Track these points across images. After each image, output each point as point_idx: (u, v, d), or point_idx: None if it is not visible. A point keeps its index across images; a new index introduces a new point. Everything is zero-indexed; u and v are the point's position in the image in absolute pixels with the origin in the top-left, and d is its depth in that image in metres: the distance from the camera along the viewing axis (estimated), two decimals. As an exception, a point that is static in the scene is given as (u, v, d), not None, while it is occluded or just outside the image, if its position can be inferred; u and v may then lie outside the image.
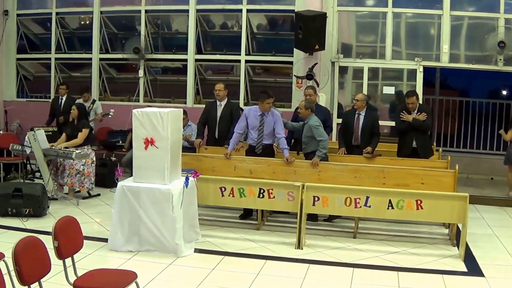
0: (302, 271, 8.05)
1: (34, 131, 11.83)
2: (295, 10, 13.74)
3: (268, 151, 10.71)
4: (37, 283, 5.57)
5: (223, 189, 9.45)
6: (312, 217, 10.40)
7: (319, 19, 13.04)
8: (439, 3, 13.78)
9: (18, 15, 16.98)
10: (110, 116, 13.75)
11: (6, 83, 17.04)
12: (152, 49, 15.70)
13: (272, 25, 15.44)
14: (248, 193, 9.35)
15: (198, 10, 15.18)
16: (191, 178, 8.93)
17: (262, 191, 9.28)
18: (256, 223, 10.32)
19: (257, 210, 10.29)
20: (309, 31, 12.93)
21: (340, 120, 12.60)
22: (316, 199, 9.01)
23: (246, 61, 15.03)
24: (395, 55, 14.16)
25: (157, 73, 16.18)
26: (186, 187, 8.78)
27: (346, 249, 9.10)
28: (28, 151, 12.07)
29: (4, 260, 6.39)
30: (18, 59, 17.23)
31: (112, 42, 16.40)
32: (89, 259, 8.22)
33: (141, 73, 15.63)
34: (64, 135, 12.10)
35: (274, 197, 9.25)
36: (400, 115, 11.06)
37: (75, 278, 6.04)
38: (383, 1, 14.05)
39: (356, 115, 11.24)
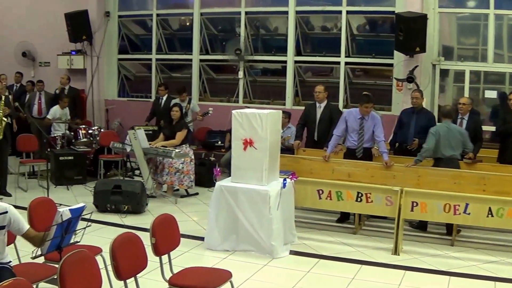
0: (397, 277, 7.96)
1: (135, 130, 12.06)
2: (396, 12, 13.54)
3: (367, 155, 10.63)
4: (132, 279, 5.71)
5: (320, 192, 9.42)
6: (422, 227, 10.29)
7: (420, 20, 12.80)
8: (543, 4, 13.38)
9: (119, 16, 17.43)
10: (209, 114, 13.88)
11: (107, 82, 17.48)
12: (252, 51, 15.78)
13: (372, 26, 15.26)
14: (345, 197, 9.30)
15: (297, 12, 15.14)
16: (288, 180, 8.94)
17: (360, 195, 9.21)
18: (353, 227, 10.24)
19: (354, 214, 10.21)
20: (409, 33, 12.71)
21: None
22: (415, 204, 8.88)
23: (346, 63, 14.85)
24: (497, 58, 13.78)
25: (257, 75, 16.24)
26: (284, 188, 8.82)
27: (443, 257, 8.92)
28: (128, 149, 12.36)
29: (101, 255, 6.60)
30: (119, 60, 17.69)
31: (212, 44, 16.57)
32: (185, 257, 8.38)
33: (240, 74, 15.74)
34: (161, 135, 12.32)
35: (372, 201, 9.16)
36: None
37: (171, 275, 6.15)
38: (485, 2, 13.66)
39: (459, 120, 10.95)
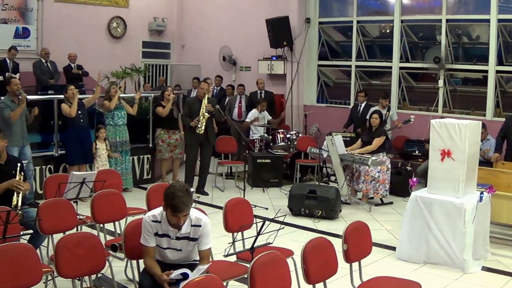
0: None
1: (332, 136, 12.20)
2: None
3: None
4: (321, 283, 5.81)
5: (517, 207, 9.14)
6: None
7: None
8: None
9: (319, 22, 17.74)
10: (411, 122, 13.73)
11: (307, 88, 17.81)
12: (453, 59, 15.47)
13: None
14: (543, 213, 8.97)
15: (499, 20, 14.67)
16: (485, 194, 8.75)
17: (557, 211, 8.83)
18: (550, 245, 9.82)
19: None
20: None
21: None
22: None
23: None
24: None
25: (457, 84, 15.91)
26: (480, 202, 8.63)
27: None
28: (325, 154, 12.51)
29: (292, 258, 6.77)
30: (319, 66, 17.96)
31: (412, 51, 16.42)
32: (375, 265, 8.41)
33: (440, 83, 15.45)
34: (359, 141, 12.37)
35: None
36: None
37: (360, 283, 6.21)
38: None
39: None
